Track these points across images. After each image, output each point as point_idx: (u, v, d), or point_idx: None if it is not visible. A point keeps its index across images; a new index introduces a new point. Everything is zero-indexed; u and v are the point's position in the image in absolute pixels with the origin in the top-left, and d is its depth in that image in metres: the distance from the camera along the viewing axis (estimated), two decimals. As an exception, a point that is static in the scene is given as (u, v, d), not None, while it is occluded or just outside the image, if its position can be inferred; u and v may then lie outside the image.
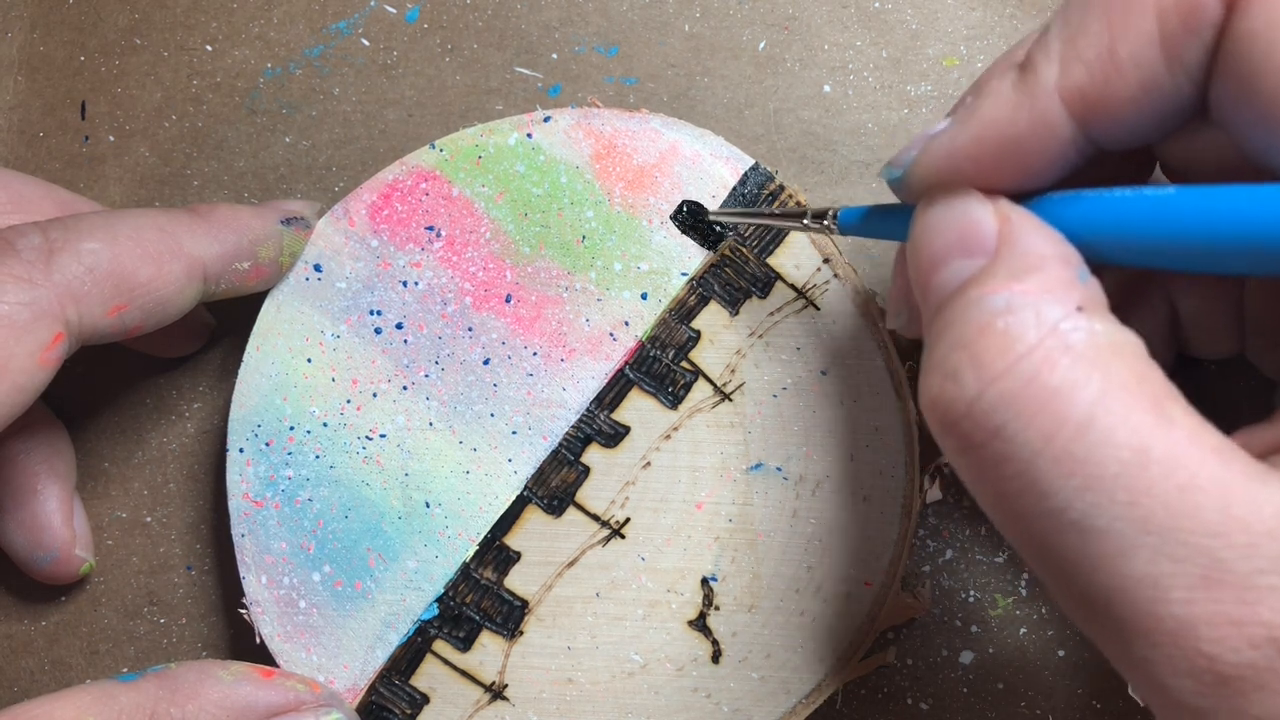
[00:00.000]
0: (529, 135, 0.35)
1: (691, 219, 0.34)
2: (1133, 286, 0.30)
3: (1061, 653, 0.35)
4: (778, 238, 0.34)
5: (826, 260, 0.34)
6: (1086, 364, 0.21)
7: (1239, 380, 0.33)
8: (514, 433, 0.34)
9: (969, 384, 0.22)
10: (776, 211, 0.33)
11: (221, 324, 0.38)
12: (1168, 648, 0.20)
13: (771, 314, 0.34)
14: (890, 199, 0.29)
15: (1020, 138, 0.24)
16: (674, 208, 0.34)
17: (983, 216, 0.24)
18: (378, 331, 0.35)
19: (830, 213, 0.30)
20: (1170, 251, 0.23)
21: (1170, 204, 0.22)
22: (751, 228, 0.34)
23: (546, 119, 0.35)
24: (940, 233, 0.24)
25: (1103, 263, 0.24)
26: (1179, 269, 0.23)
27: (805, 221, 0.30)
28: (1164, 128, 0.24)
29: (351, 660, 0.34)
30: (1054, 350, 0.21)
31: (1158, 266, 0.23)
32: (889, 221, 0.28)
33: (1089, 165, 0.25)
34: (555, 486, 0.34)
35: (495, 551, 0.34)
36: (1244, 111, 0.22)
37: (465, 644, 0.34)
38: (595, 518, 0.34)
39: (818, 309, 0.34)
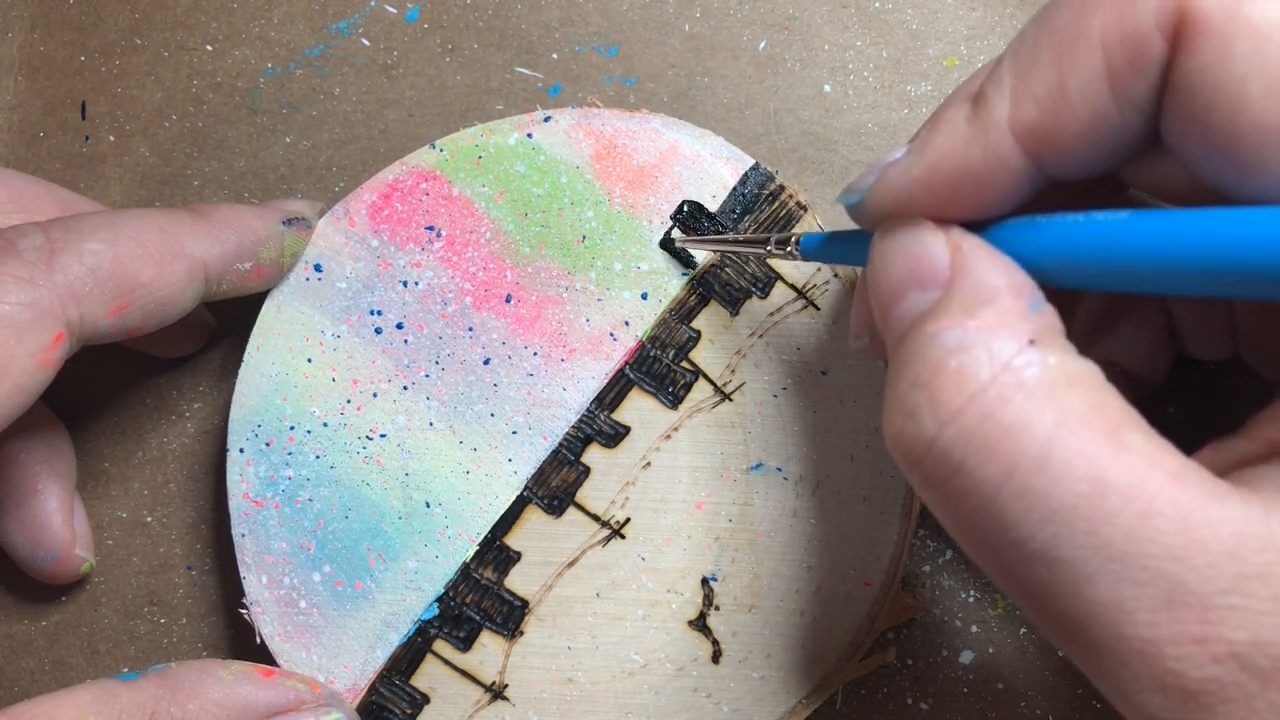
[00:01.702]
0: (529, 135, 0.35)
1: (683, 226, 0.34)
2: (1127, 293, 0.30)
3: (1061, 653, 0.35)
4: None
5: (827, 260, 0.34)
6: (1040, 399, 0.21)
7: (1239, 380, 0.33)
8: (514, 433, 0.34)
9: (927, 423, 0.22)
10: (740, 238, 0.33)
11: (222, 324, 0.38)
12: (1136, 667, 0.21)
13: (772, 314, 0.34)
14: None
15: (973, 170, 0.24)
16: (674, 208, 0.34)
17: (935, 247, 0.24)
18: (378, 331, 0.35)
19: (793, 239, 0.30)
20: (1123, 275, 0.23)
21: (1119, 229, 0.22)
22: (752, 229, 0.34)
23: (547, 119, 0.35)
24: (895, 264, 0.25)
25: (1060, 287, 0.24)
26: (1134, 291, 0.23)
27: (769, 248, 0.31)
28: (1116, 159, 0.24)
29: (352, 660, 0.34)
30: (1007, 387, 0.22)
31: (1113, 290, 0.24)
32: (849, 247, 0.28)
33: (1050, 192, 0.25)
34: (555, 486, 0.34)
35: (495, 551, 0.34)
36: (1195, 145, 0.22)
37: (465, 644, 0.34)
38: (595, 518, 0.34)
39: (818, 309, 0.34)
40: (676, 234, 0.34)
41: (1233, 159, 0.21)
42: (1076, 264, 0.23)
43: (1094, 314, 0.30)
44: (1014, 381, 0.22)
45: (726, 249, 0.33)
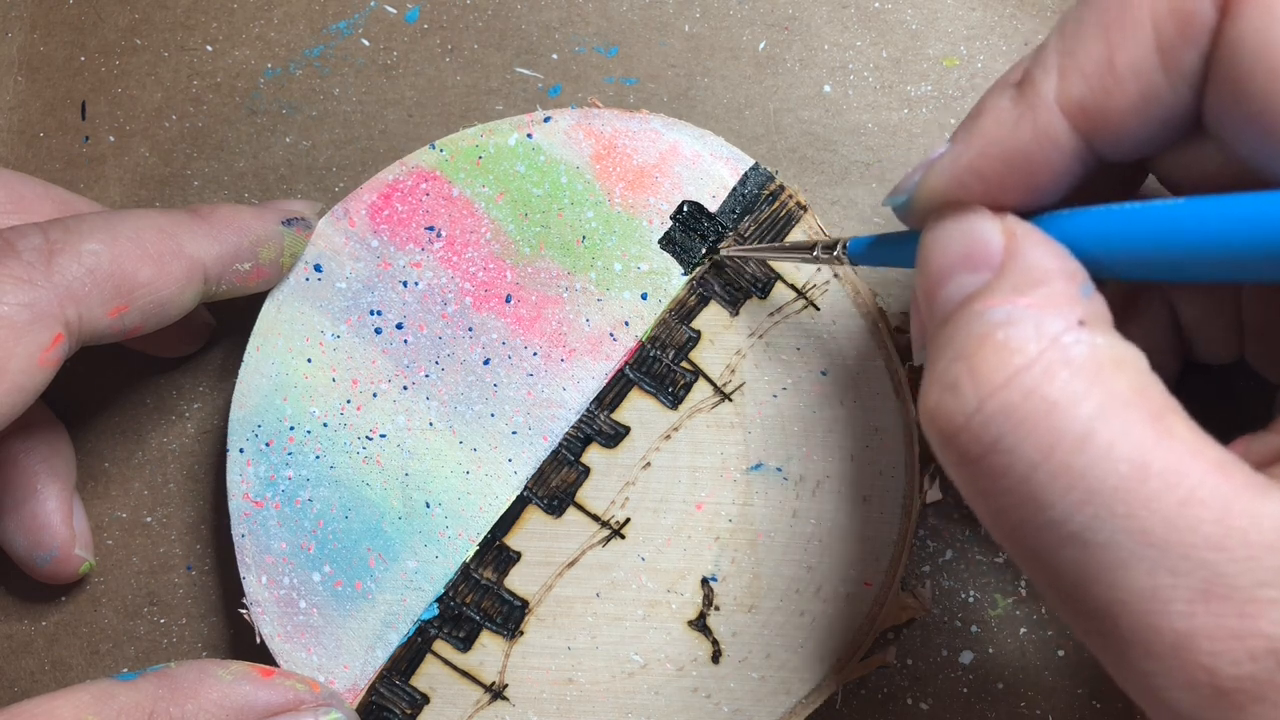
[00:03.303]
0: (529, 135, 0.35)
1: (684, 229, 0.34)
2: (1134, 295, 0.30)
3: (1061, 653, 0.35)
4: (778, 238, 0.34)
5: (826, 260, 0.34)
6: (1086, 377, 0.21)
7: (1242, 384, 0.33)
8: (514, 433, 0.34)
9: (968, 396, 0.22)
10: (787, 245, 0.33)
11: (221, 324, 0.38)
12: (1167, 660, 0.20)
13: (771, 314, 0.34)
14: (893, 225, 0.29)
15: (1023, 151, 0.24)
16: (674, 208, 0.34)
17: (989, 231, 0.24)
18: (378, 331, 0.35)
19: (840, 244, 0.30)
20: (1178, 263, 0.23)
21: (1178, 215, 0.22)
22: (752, 229, 0.34)
23: (547, 119, 0.35)
24: (946, 249, 0.25)
25: (1109, 277, 0.24)
26: (1185, 280, 0.23)
27: (815, 254, 0.30)
28: (1164, 138, 0.24)
29: (351, 660, 0.34)
30: (1054, 363, 0.21)
31: (1164, 279, 0.23)
32: (898, 249, 0.28)
33: (1090, 181, 0.25)
34: (555, 487, 0.34)
35: (495, 552, 0.34)
36: (1235, 115, 0.22)
37: (465, 644, 0.34)
38: (595, 518, 0.34)
39: (818, 309, 0.34)
40: (723, 248, 0.34)
41: (1272, 130, 0.21)
42: (1132, 251, 0.23)
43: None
44: (1061, 358, 0.21)
45: (771, 257, 0.33)
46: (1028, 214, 0.25)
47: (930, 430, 0.23)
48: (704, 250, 0.34)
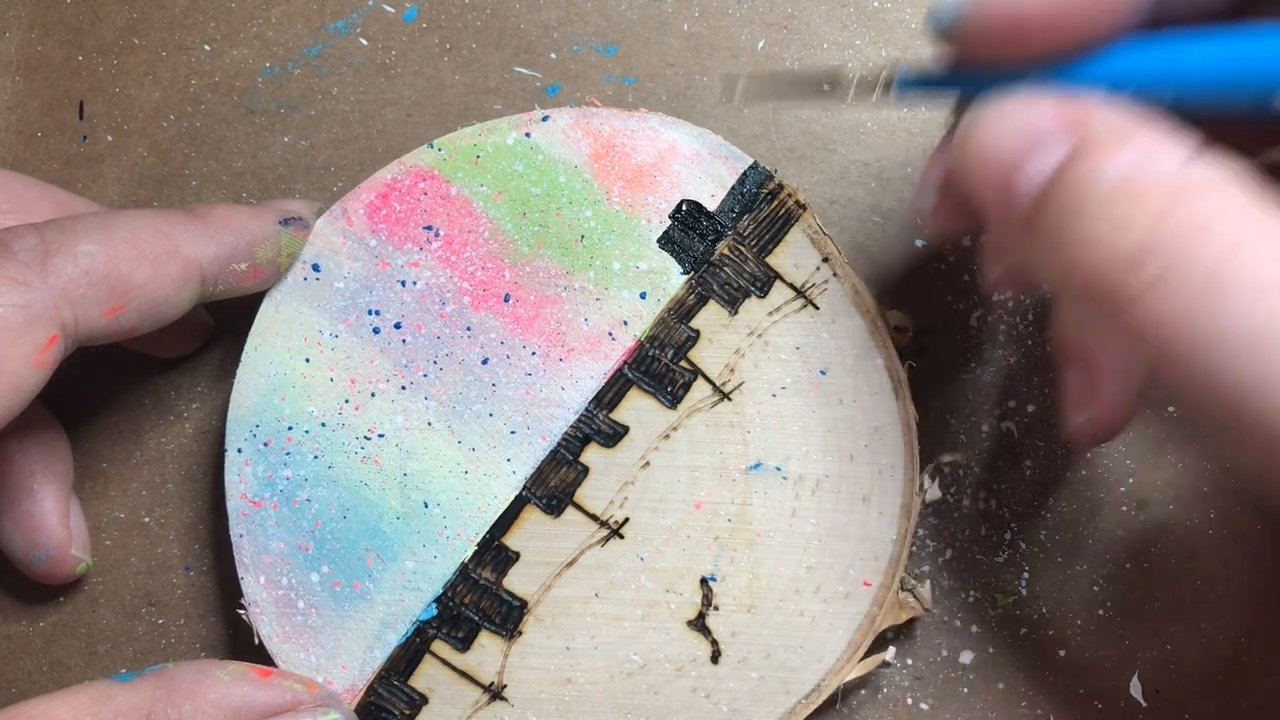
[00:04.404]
0: (527, 135, 0.35)
1: (682, 225, 0.34)
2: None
3: (1062, 653, 0.35)
4: (777, 237, 0.34)
5: (825, 259, 0.34)
6: (1219, 195, 0.22)
7: None
8: (513, 432, 0.34)
9: (1121, 239, 0.22)
10: (812, 76, 0.28)
11: (219, 324, 0.38)
12: None
13: (771, 313, 0.34)
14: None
15: None
16: (673, 207, 0.34)
17: (1048, 106, 0.24)
18: (376, 331, 0.35)
19: (884, 76, 0.27)
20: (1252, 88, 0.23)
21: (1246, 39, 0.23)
22: (750, 228, 0.34)
23: (545, 118, 0.35)
24: (1009, 130, 0.24)
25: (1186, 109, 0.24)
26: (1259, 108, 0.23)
27: (851, 95, 0.28)
28: None
29: (350, 660, 0.34)
30: (1189, 190, 0.22)
31: (1237, 108, 0.24)
32: (952, 85, 0.27)
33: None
34: (554, 486, 0.34)
35: (494, 552, 0.34)
36: None
37: (464, 644, 0.34)
38: (594, 518, 0.34)
39: (817, 308, 0.34)
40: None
41: None
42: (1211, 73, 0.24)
43: None
44: (1195, 183, 0.22)
45: (793, 98, 0.29)
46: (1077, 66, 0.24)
47: (1096, 291, 0.23)
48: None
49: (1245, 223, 0.22)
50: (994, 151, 0.24)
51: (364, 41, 0.38)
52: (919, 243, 0.37)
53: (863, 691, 0.35)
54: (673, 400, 0.34)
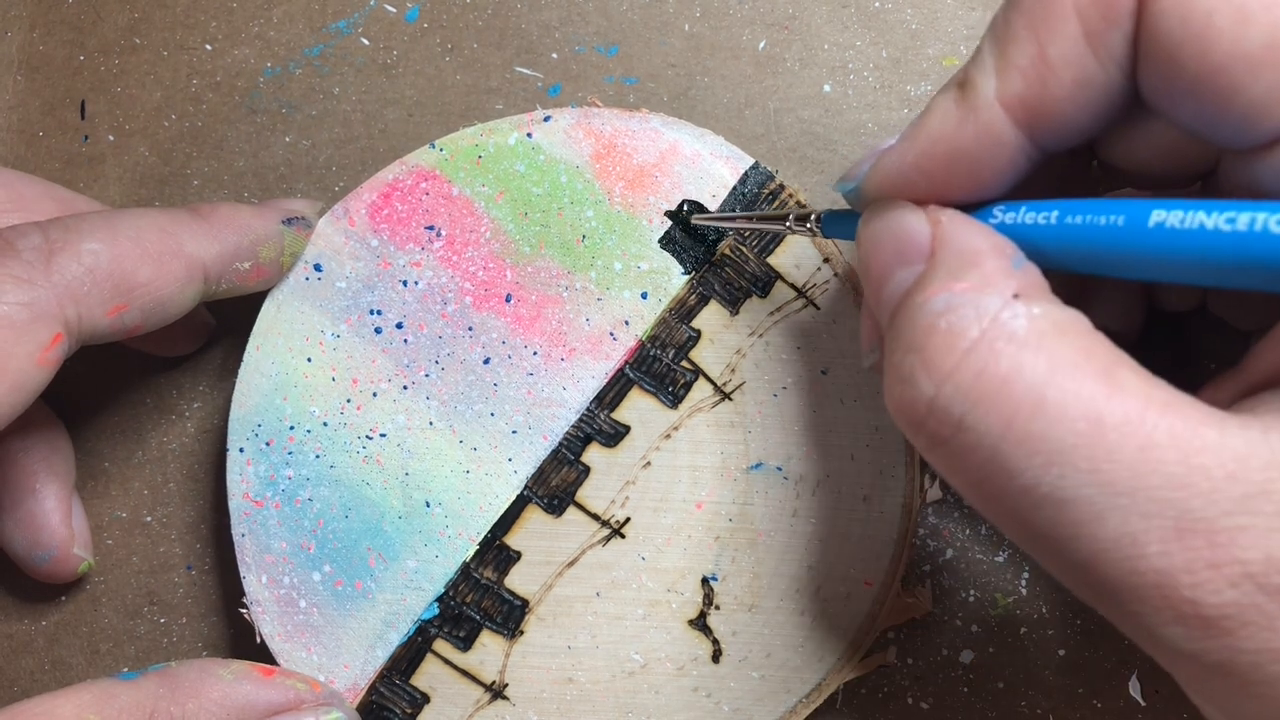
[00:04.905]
0: (529, 135, 0.35)
1: (683, 228, 0.34)
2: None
3: (1062, 652, 0.35)
4: (778, 237, 0.34)
5: (826, 260, 0.34)
6: (1030, 347, 0.22)
7: (1208, 331, 0.33)
8: (514, 432, 0.34)
9: (924, 384, 0.23)
10: (757, 214, 0.33)
11: (221, 323, 0.38)
12: (1153, 600, 0.21)
13: (772, 313, 0.34)
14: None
15: (966, 149, 0.25)
16: (674, 207, 0.34)
17: (915, 223, 0.25)
18: (378, 331, 0.35)
19: (813, 216, 0.30)
20: (1105, 262, 0.24)
21: (1102, 210, 0.23)
22: (751, 228, 0.34)
23: (546, 119, 0.35)
24: (880, 245, 0.26)
25: (1053, 268, 0.25)
26: (1119, 275, 0.24)
27: (788, 225, 0.31)
28: (1103, 121, 0.25)
29: (352, 660, 0.34)
30: (997, 340, 0.22)
31: (1102, 272, 0.24)
32: (848, 226, 0.29)
33: (1035, 173, 0.26)
34: (555, 486, 0.34)
35: (495, 551, 0.34)
36: (1171, 89, 0.23)
37: (466, 643, 0.34)
38: (595, 517, 0.34)
39: (818, 308, 0.34)
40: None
41: (1209, 95, 0.22)
42: (1066, 242, 0.24)
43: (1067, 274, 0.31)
44: (1003, 334, 0.22)
45: (743, 226, 0.33)
46: (970, 209, 0.25)
47: (899, 422, 0.24)
48: (673, 222, 0.34)
49: (1051, 377, 0.22)
50: (869, 262, 0.26)
51: (365, 41, 0.38)
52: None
53: (863, 691, 0.35)
54: (674, 400, 0.34)
